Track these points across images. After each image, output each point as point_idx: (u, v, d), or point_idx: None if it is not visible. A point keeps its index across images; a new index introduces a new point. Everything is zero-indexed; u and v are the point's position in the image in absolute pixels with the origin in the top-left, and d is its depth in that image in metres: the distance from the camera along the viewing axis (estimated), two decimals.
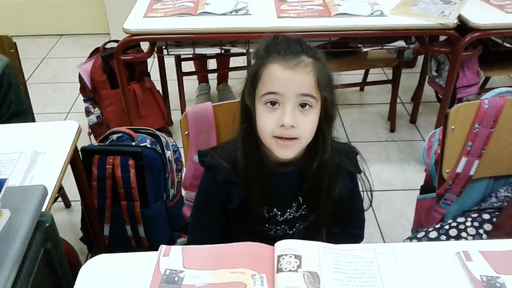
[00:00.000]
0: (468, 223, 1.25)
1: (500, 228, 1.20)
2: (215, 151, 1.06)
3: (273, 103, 0.91)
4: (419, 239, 1.26)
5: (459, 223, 1.26)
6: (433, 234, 1.25)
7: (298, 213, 1.08)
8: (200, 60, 2.65)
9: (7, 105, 1.44)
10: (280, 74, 0.90)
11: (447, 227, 1.25)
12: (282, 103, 0.90)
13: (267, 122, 0.92)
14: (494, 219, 1.23)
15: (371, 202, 1.10)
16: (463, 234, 1.23)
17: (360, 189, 1.09)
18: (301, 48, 0.92)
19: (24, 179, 1.09)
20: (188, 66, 2.54)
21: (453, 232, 1.24)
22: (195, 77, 2.82)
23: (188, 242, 1.15)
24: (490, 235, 1.21)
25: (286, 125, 0.89)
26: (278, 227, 1.09)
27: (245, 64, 2.76)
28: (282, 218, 1.08)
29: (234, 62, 2.74)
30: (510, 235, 1.16)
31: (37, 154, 1.17)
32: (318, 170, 1.00)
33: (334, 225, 1.15)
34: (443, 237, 1.25)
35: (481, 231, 1.23)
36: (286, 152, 0.94)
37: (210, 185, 1.06)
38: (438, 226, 1.28)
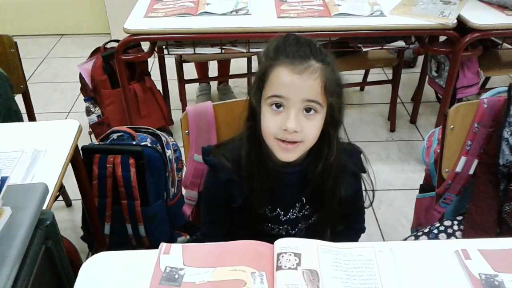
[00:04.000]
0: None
1: (470, 213, 1.23)
2: (219, 149, 1.06)
3: (278, 105, 0.91)
4: (428, 233, 1.27)
5: (460, 222, 1.27)
6: (436, 231, 1.26)
7: (301, 213, 1.09)
8: (201, 63, 2.65)
9: None
10: (286, 78, 0.89)
11: (449, 223, 1.26)
12: (287, 107, 0.90)
13: (271, 125, 0.92)
14: None
15: (371, 202, 1.10)
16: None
17: (363, 188, 1.09)
18: (310, 51, 0.90)
19: (25, 177, 1.09)
20: (189, 66, 2.55)
21: (452, 229, 1.26)
22: (195, 77, 2.83)
23: (202, 236, 1.16)
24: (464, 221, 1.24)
25: (289, 129, 0.89)
26: (281, 227, 1.10)
27: (246, 65, 2.77)
28: (285, 218, 1.08)
29: (235, 62, 2.74)
30: (481, 218, 1.19)
31: (38, 152, 1.18)
32: (323, 173, 1.00)
33: (338, 223, 1.15)
34: (443, 235, 1.26)
35: None
36: (287, 155, 0.94)
37: (213, 184, 1.07)
38: (437, 224, 1.28)
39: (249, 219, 1.07)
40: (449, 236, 1.24)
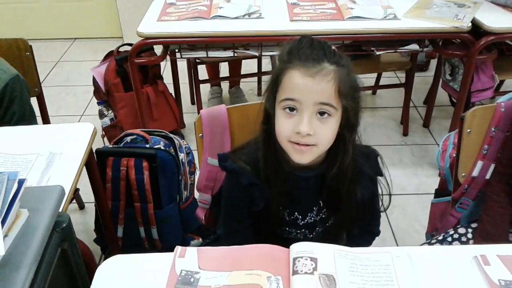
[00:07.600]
0: None
1: (482, 222, 1.21)
2: (235, 154, 1.05)
3: (291, 109, 0.90)
4: (441, 241, 1.25)
5: (474, 229, 1.25)
6: (449, 239, 1.25)
7: (319, 217, 1.08)
8: (212, 65, 2.66)
9: (10, 115, 1.47)
10: (299, 81, 0.88)
11: (463, 231, 1.24)
12: (300, 110, 0.90)
13: (284, 128, 0.92)
14: None
15: (386, 207, 1.09)
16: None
17: (379, 192, 1.08)
18: (324, 54, 0.89)
19: (40, 180, 1.10)
20: (199, 68, 2.55)
21: (466, 237, 1.24)
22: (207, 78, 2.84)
23: (225, 235, 1.15)
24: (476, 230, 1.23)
25: (302, 133, 0.89)
26: (299, 231, 1.09)
27: (256, 67, 2.78)
28: (303, 222, 1.08)
29: (246, 64, 2.75)
30: (493, 228, 1.18)
31: (54, 155, 1.18)
32: (338, 176, 0.99)
33: (354, 226, 1.14)
34: (456, 243, 1.24)
35: None
36: (302, 157, 0.94)
37: (234, 190, 1.05)
38: (451, 232, 1.27)
39: (268, 223, 1.07)
40: (463, 244, 1.22)
